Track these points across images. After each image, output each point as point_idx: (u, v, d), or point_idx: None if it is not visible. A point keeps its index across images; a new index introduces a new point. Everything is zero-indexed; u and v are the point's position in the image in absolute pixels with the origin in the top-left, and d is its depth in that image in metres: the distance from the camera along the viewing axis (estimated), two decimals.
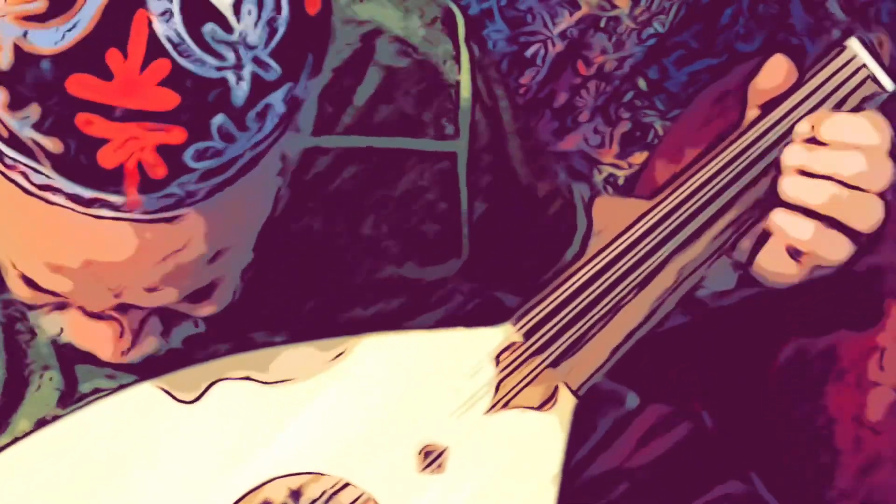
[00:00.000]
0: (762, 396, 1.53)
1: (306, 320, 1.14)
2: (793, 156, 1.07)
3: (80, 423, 1.05)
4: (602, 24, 1.80)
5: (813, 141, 1.07)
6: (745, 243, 1.12)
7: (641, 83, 1.83)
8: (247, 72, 0.84)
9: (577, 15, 1.80)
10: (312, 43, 0.88)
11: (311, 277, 1.14)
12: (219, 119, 0.84)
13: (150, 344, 1.01)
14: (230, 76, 0.84)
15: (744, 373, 1.55)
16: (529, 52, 1.79)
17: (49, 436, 1.05)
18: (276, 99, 0.86)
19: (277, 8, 0.86)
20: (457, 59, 1.17)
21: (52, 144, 0.83)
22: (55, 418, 1.06)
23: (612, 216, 1.13)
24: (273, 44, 0.85)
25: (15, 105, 0.83)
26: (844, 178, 1.06)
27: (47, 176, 0.85)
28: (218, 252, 0.92)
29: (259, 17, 0.85)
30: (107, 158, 0.84)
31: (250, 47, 0.84)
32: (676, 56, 1.83)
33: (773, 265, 1.10)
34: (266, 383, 1.07)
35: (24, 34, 0.82)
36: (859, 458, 1.48)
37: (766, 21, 1.82)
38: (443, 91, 1.16)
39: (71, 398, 1.10)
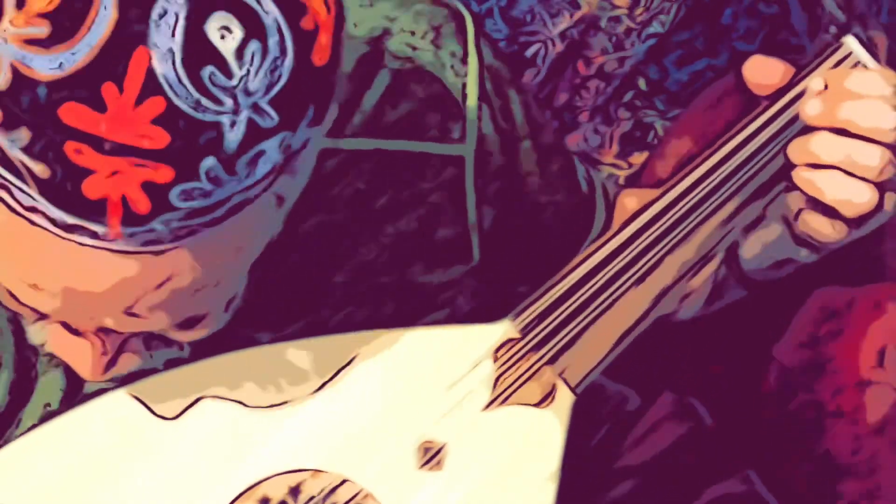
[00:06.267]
0: (761, 395, 1.53)
1: (308, 323, 1.14)
2: (812, 109, 1.06)
3: (76, 421, 1.06)
4: (602, 24, 1.81)
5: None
6: (795, 202, 1.10)
7: (641, 83, 1.83)
8: (242, 118, 0.84)
9: (577, 15, 1.80)
10: (315, 94, 0.87)
11: (316, 280, 1.14)
12: (208, 162, 0.84)
13: (130, 365, 1.01)
14: (225, 121, 0.83)
15: (743, 371, 1.55)
16: (529, 52, 1.80)
17: (43, 434, 1.05)
18: (271, 146, 0.86)
19: (282, 54, 0.85)
20: (465, 61, 1.17)
21: (40, 169, 0.83)
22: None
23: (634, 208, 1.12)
24: (273, 92, 0.84)
25: (6, 125, 0.83)
26: (859, 130, 1.04)
27: (33, 198, 0.85)
28: (203, 286, 0.92)
29: (262, 63, 0.84)
30: (92, 189, 0.83)
31: (249, 94, 0.84)
32: (676, 56, 1.83)
33: (818, 224, 1.08)
34: (265, 379, 1.07)
35: (24, 57, 0.82)
36: (859, 457, 1.48)
37: (766, 21, 1.83)
38: (450, 95, 1.16)
39: (75, 398, 1.10)
